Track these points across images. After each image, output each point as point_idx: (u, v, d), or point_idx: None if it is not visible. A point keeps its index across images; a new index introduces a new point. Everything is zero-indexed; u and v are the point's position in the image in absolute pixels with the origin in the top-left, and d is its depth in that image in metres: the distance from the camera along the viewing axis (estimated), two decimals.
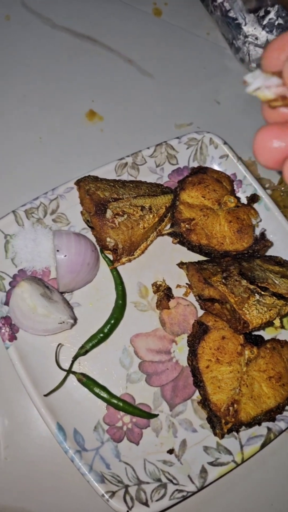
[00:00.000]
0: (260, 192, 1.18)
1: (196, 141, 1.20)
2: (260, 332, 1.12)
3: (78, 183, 1.10)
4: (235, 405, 0.97)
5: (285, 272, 1.08)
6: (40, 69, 1.32)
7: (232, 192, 1.15)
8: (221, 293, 0.99)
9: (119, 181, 1.12)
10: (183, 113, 1.33)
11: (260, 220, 1.15)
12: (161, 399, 1.03)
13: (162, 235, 1.10)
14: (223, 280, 1.01)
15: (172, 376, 1.05)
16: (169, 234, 1.10)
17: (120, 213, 1.05)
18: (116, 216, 1.04)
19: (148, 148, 1.18)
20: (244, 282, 1.01)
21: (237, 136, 1.29)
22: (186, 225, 1.07)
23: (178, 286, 1.12)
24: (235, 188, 1.20)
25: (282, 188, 1.26)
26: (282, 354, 1.05)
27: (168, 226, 1.14)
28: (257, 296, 0.99)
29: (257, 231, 1.16)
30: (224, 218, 1.09)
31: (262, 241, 1.10)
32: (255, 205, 1.18)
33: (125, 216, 1.05)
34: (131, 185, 1.11)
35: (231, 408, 0.97)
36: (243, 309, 0.97)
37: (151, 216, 1.08)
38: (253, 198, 1.18)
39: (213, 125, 1.28)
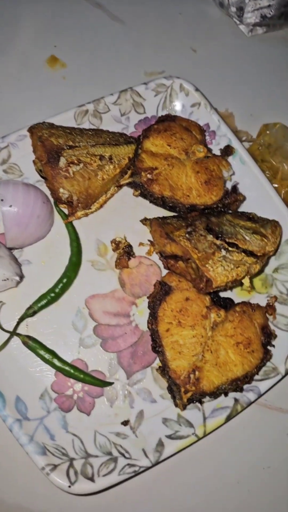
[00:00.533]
0: (235, 143, 1.07)
1: (165, 87, 1.09)
2: (231, 296, 1.01)
3: (30, 129, 1.00)
4: (197, 372, 0.87)
5: (258, 228, 0.97)
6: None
7: (203, 142, 1.04)
8: (184, 248, 0.89)
9: (76, 129, 1.02)
10: (154, 60, 1.22)
11: (233, 173, 1.04)
12: (118, 366, 0.93)
13: (121, 186, 0.99)
14: (187, 235, 0.91)
15: (130, 341, 0.95)
16: (129, 184, 0.99)
17: (76, 161, 0.94)
18: (71, 165, 0.94)
19: (111, 94, 1.07)
20: (210, 237, 0.91)
21: (213, 87, 1.19)
22: (148, 175, 0.96)
23: (141, 244, 1.02)
24: (208, 139, 1.09)
25: (261, 141, 1.14)
26: (253, 319, 0.95)
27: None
28: (223, 252, 0.89)
29: (229, 186, 1.05)
30: (191, 169, 0.98)
31: (234, 194, 0.99)
32: (230, 158, 1.07)
33: (81, 165, 0.94)
34: (90, 132, 1.01)
35: (192, 375, 0.87)
36: (207, 265, 0.86)
37: (111, 166, 0.97)
38: (227, 150, 1.07)
39: (188, 74, 1.16)
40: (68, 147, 0.95)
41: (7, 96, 1.12)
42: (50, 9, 1.19)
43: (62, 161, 0.93)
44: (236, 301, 0.98)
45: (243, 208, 1.05)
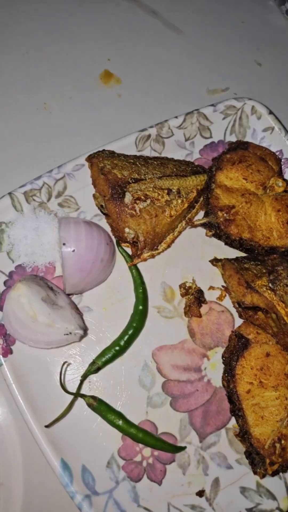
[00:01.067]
0: None
1: (235, 109, 0.98)
2: None
3: (90, 159, 0.89)
4: (283, 441, 0.78)
5: None
6: (46, 20, 1.10)
7: (280, 174, 0.93)
8: (268, 301, 0.79)
9: (140, 158, 0.91)
10: (216, 76, 1.10)
11: None
12: (189, 428, 0.84)
13: (195, 226, 0.89)
14: (270, 285, 0.81)
15: (202, 399, 0.85)
16: (203, 225, 0.89)
17: (142, 197, 0.84)
18: (137, 201, 0.83)
19: (176, 117, 0.96)
20: None
21: (281, 105, 1.07)
22: (225, 214, 0.85)
23: (211, 288, 0.92)
24: (283, 168, 0.98)
25: None
26: None
27: (201, 215, 0.93)
28: None
29: None
30: (271, 206, 0.88)
31: None
32: None
33: (148, 201, 0.84)
34: (155, 162, 0.90)
35: (277, 444, 0.78)
36: None
37: (179, 201, 0.87)
38: None
39: (253, 91, 1.06)
40: (133, 181, 0.85)
41: (58, 117, 1.01)
42: (102, 18, 1.08)
43: (128, 198, 0.83)
44: None
45: None
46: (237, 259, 0.89)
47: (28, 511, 0.80)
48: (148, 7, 1.14)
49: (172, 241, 0.90)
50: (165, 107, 1.01)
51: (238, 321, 0.89)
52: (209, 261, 0.92)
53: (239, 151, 0.91)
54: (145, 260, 0.89)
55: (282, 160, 0.99)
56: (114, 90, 1.07)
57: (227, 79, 1.10)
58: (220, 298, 0.91)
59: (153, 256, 0.89)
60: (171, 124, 0.96)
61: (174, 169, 0.90)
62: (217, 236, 0.89)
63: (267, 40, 1.14)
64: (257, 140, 1.00)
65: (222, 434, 0.85)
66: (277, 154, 0.98)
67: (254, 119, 0.99)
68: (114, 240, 0.89)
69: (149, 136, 0.95)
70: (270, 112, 0.98)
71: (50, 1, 1.13)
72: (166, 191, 0.86)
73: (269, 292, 0.80)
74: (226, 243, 0.89)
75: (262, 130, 0.99)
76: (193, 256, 0.93)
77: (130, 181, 0.85)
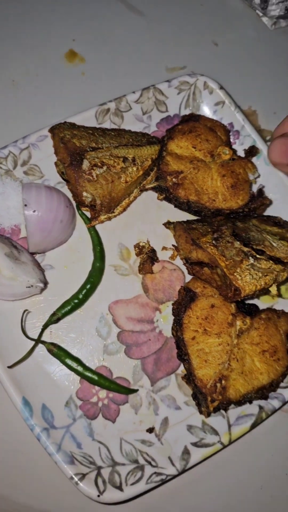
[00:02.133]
0: (260, 144, 1.04)
1: (189, 85, 1.06)
2: (255, 301, 1.00)
3: (52, 130, 0.97)
4: (223, 381, 0.86)
5: (285, 234, 0.95)
6: (14, 3, 1.16)
7: (228, 143, 1.01)
8: (211, 255, 0.87)
9: (99, 129, 0.99)
10: (175, 55, 1.18)
11: (258, 176, 1.01)
12: (142, 373, 0.92)
13: (146, 189, 0.97)
14: (214, 241, 0.89)
15: (154, 347, 0.94)
16: (153, 188, 0.96)
17: (99, 164, 0.92)
18: (94, 168, 0.91)
19: (133, 92, 1.04)
20: (237, 244, 0.89)
21: (236, 83, 1.15)
22: (173, 179, 0.93)
23: (164, 248, 1.00)
24: (231, 139, 1.06)
25: None
26: (278, 326, 0.94)
27: (153, 180, 1.01)
28: (251, 260, 0.87)
29: (254, 188, 1.03)
30: (217, 172, 0.95)
31: (260, 198, 0.97)
32: (254, 159, 1.05)
33: (105, 167, 0.92)
34: (112, 133, 0.98)
35: (218, 384, 0.86)
36: (235, 273, 0.85)
37: (134, 168, 0.95)
38: (252, 151, 1.04)
39: (209, 69, 1.13)
40: (91, 149, 0.92)
41: (26, 93, 1.08)
42: (69, 2, 1.14)
43: (86, 164, 0.91)
44: (260, 307, 0.97)
45: (269, 211, 1.03)
46: (187, 221, 0.97)
47: None
48: None
49: (128, 205, 0.98)
50: (126, 85, 1.08)
51: (188, 278, 0.97)
52: (163, 224, 1.00)
53: (191, 122, 0.99)
54: (102, 222, 0.97)
55: (232, 132, 1.07)
56: (79, 68, 1.14)
57: (185, 58, 1.17)
58: (172, 257, 0.99)
59: (109, 219, 0.97)
60: (129, 99, 1.04)
61: (130, 140, 0.97)
62: (168, 199, 0.97)
63: (224, 21, 1.21)
64: (210, 114, 1.07)
65: (171, 379, 0.93)
66: (227, 126, 1.06)
67: (206, 94, 1.06)
68: (74, 204, 0.97)
69: (108, 110, 1.02)
70: (221, 87, 1.05)
71: None
72: (121, 159, 0.94)
73: (212, 247, 0.88)
74: (175, 206, 0.97)
75: (214, 104, 1.06)
76: (148, 220, 1.01)
77: (88, 150, 0.92)
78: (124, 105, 1.03)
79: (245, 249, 0.88)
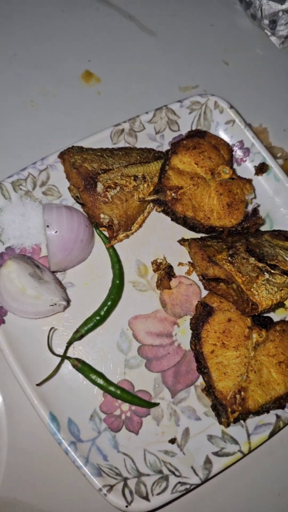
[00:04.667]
0: (270, 161, 1.08)
1: (200, 105, 1.09)
2: (269, 314, 1.04)
3: (61, 156, 0.99)
4: (242, 393, 0.89)
5: None
6: (31, 25, 1.19)
7: (229, 163, 1.05)
8: (227, 272, 0.91)
9: (106, 150, 1.02)
10: (188, 75, 1.21)
11: (254, 197, 1.05)
12: (162, 386, 0.96)
13: (145, 201, 0.99)
14: (229, 258, 0.92)
15: (173, 361, 0.97)
16: (153, 201, 0.99)
17: (112, 185, 0.95)
18: (108, 189, 0.94)
19: (147, 113, 1.07)
20: (252, 260, 0.92)
21: (247, 101, 1.19)
22: (173, 194, 0.97)
23: (180, 264, 1.03)
24: (241, 156, 1.10)
25: None
26: None
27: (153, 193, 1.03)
28: (267, 275, 0.91)
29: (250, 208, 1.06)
30: (215, 190, 0.99)
31: (253, 218, 1.00)
32: (264, 176, 1.08)
33: (118, 188, 0.95)
34: (120, 153, 1.01)
35: (237, 396, 0.89)
36: (252, 289, 0.88)
37: (145, 185, 0.98)
38: (262, 168, 1.08)
39: (220, 88, 1.17)
40: (102, 171, 0.95)
41: (44, 113, 1.12)
42: (83, 22, 1.18)
43: (100, 187, 0.94)
44: (274, 320, 1.01)
45: (277, 224, 1.07)
46: (201, 238, 1.00)
47: (24, 459, 0.91)
48: (125, 11, 1.24)
49: (143, 221, 1.01)
50: (141, 104, 1.11)
51: (204, 293, 1.01)
52: (177, 241, 1.03)
53: (196, 138, 1.02)
54: (120, 240, 1.00)
55: (243, 149, 1.10)
56: (95, 89, 1.17)
57: (197, 77, 1.21)
58: (188, 272, 1.03)
59: (127, 237, 1.00)
60: (143, 119, 1.07)
61: (138, 157, 1.00)
62: (165, 212, 1.00)
63: (234, 41, 1.25)
64: (221, 133, 1.11)
65: (191, 390, 0.96)
66: (237, 144, 1.10)
67: (217, 113, 1.10)
68: (93, 223, 1.00)
69: (122, 130, 1.06)
70: (231, 107, 1.09)
71: (36, 6, 1.22)
72: (132, 177, 0.97)
73: (228, 264, 0.91)
74: (172, 219, 1.00)
75: (224, 123, 1.10)
76: (164, 237, 1.04)
77: (100, 172, 0.95)
78: (138, 125, 1.07)
79: (260, 264, 0.92)
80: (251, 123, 1.17)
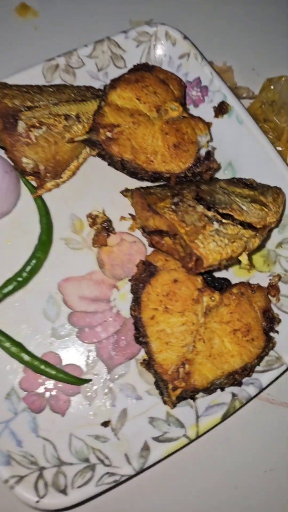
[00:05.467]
0: (231, 100, 0.93)
1: (148, 36, 0.94)
2: (229, 276, 0.88)
3: None
4: (187, 366, 0.75)
5: (257, 196, 0.83)
6: None
7: (180, 99, 0.89)
8: (169, 221, 0.76)
9: (34, 86, 0.88)
10: (141, 7, 1.05)
11: (211, 139, 0.89)
12: (96, 359, 0.81)
13: (73, 142, 0.84)
14: (173, 206, 0.77)
15: (111, 330, 0.83)
16: (84, 141, 0.84)
17: (37, 124, 0.81)
18: (32, 129, 0.81)
19: (85, 45, 0.92)
20: (200, 207, 0.77)
21: (209, 37, 1.03)
22: (107, 132, 0.81)
23: (122, 218, 0.88)
24: (199, 95, 0.94)
25: (264, 98, 0.99)
26: (252, 302, 0.82)
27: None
28: (216, 225, 0.75)
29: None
30: (160, 129, 0.83)
31: (206, 161, 0.84)
32: (225, 117, 0.93)
33: (44, 128, 0.81)
34: (50, 89, 0.87)
35: (181, 369, 0.75)
36: (196, 241, 0.73)
37: (80, 126, 0.84)
38: (221, 108, 0.93)
39: (179, 23, 1.00)
40: (26, 109, 0.81)
41: None
42: None
43: (21, 126, 0.80)
44: (233, 282, 0.85)
45: (241, 173, 0.91)
46: (146, 187, 0.85)
47: None
48: None
49: (77, 168, 0.87)
50: (85, 40, 0.96)
51: (150, 252, 0.86)
52: (120, 192, 0.88)
53: (141, 72, 0.87)
54: (49, 190, 0.86)
55: (200, 87, 0.95)
56: (31, 23, 1.03)
57: (151, 11, 1.05)
58: (132, 228, 0.88)
59: (57, 185, 0.86)
60: (81, 53, 0.92)
61: (72, 95, 0.87)
62: (101, 156, 0.85)
63: None
64: (174, 69, 0.96)
65: (131, 365, 0.82)
66: (194, 82, 0.94)
67: (169, 45, 0.95)
68: (18, 172, 0.86)
69: (57, 66, 0.91)
70: (185, 37, 0.94)
71: None
72: (63, 117, 0.83)
73: (170, 213, 0.76)
74: (109, 164, 0.85)
75: (178, 57, 0.95)
76: (104, 187, 0.90)
77: (23, 109, 0.81)
78: (76, 60, 0.92)
79: (209, 213, 0.76)
80: (212, 61, 1.01)
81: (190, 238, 0.74)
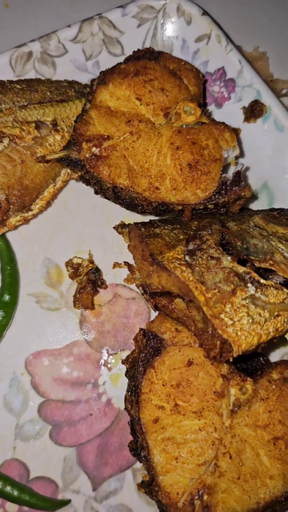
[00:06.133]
0: (268, 98, 0.71)
1: (154, 12, 0.73)
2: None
3: None
4: (206, 496, 0.51)
5: None
6: None
7: (197, 98, 0.68)
8: (181, 282, 0.51)
9: None
10: None
11: (240, 154, 0.68)
12: (78, 469, 0.61)
13: (46, 160, 0.60)
14: (187, 258, 0.55)
15: (99, 427, 0.65)
16: (59, 161, 0.60)
17: None
18: None
19: (69, 26, 0.69)
20: (226, 260, 0.54)
21: (237, 17, 0.80)
22: (93, 148, 0.58)
23: (117, 264, 0.64)
24: (222, 92, 0.70)
25: None
26: None
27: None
28: (252, 289, 0.52)
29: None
30: (169, 142, 0.60)
31: (236, 188, 0.60)
32: (258, 122, 0.71)
33: (6, 141, 0.59)
34: (17, 87, 0.68)
35: (197, 502, 0.51)
36: (222, 315, 0.50)
37: (57, 137, 0.65)
38: (254, 109, 0.71)
39: None
40: None
41: None
42: None
43: None
44: (272, 358, 0.64)
45: (281, 199, 0.68)
46: (150, 222, 0.61)
47: None
48: None
49: (54, 196, 0.66)
50: (69, 19, 0.73)
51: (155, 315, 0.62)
52: (114, 227, 0.64)
53: (142, 61, 0.63)
54: (13, 227, 0.63)
55: (224, 81, 0.70)
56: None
57: None
58: (129, 279, 0.63)
59: (26, 221, 0.64)
60: (62, 37, 0.71)
61: (48, 93, 0.65)
62: (85, 181, 0.62)
63: None
64: (189, 55, 0.71)
65: (127, 477, 0.63)
66: (216, 74, 0.70)
67: (181, 24, 0.73)
68: None
69: (30, 53, 0.69)
70: (204, 13, 0.69)
71: None
72: (33, 124, 0.61)
73: (184, 268, 0.53)
74: (96, 192, 0.62)
75: (194, 40, 0.71)
76: (93, 221, 0.68)
77: None
78: (56, 46, 0.71)
79: (241, 269, 0.52)
80: (241, 45, 0.76)
81: (213, 311, 0.50)
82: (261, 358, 0.64)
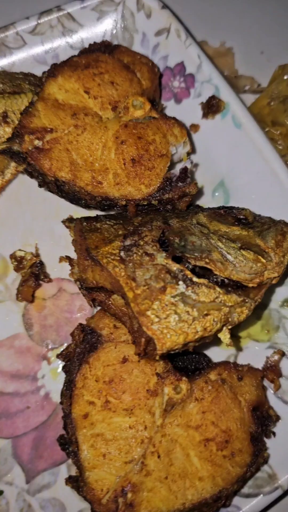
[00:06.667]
0: (227, 94, 0.69)
1: (114, 5, 0.70)
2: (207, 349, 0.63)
3: None
4: (130, 494, 0.51)
5: (252, 238, 0.58)
6: None
7: (150, 93, 0.67)
8: (112, 277, 0.51)
9: None
10: None
11: (191, 151, 0.66)
12: (12, 461, 0.60)
13: None
14: (122, 253, 0.53)
15: (36, 420, 0.62)
16: (2, 153, 0.60)
17: None
18: None
19: (27, 18, 0.69)
20: (161, 257, 0.52)
21: (202, 11, 0.78)
22: (35, 140, 0.57)
23: (62, 259, 0.63)
24: (182, 86, 0.69)
25: (274, 92, 0.72)
26: (237, 393, 0.57)
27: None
28: (182, 287, 0.50)
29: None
30: (114, 136, 0.58)
31: (180, 184, 0.59)
32: (217, 118, 0.69)
33: None
34: None
35: (121, 499, 0.50)
36: (148, 312, 0.49)
37: (7, 130, 0.62)
38: (211, 104, 0.69)
39: None
40: None
41: None
42: None
43: None
44: (214, 358, 0.60)
45: (236, 197, 0.65)
46: (95, 217, 0.60)
47: None
48: None
49: (2, 188, 0.64)
50: (29, 10, 0.72)
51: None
52: (62, 221, 0.63)
53: (95, 54, 0.62)
54: None
55: (184, 76, 0.69)
56: None
57: None
58: (73, 274, 0.63)
59: None
60: (20, 29, 0.69)
61: (0, 85, 0.62)
62: (30, 173, 0.61)
63: None
64: (149, 50, 0.70)
65: (61, 472, 0.62)
66: (175, 69, 0.68)
67: (141, 17, 0.71)
68: None
69: None
70: (164, 6, 0.68)
71: None
72: None
73: (116, 263, 0.52)
74: (40, 185, 0.62)
75: (154, 34, 0.70)
76: (42, 214, 0.67)
77: None
78: (13, 38, 0.71)
79: (175, 266, 0.51)
80: (206, 40, 0.75)
81: (140, 308, 0.50)
82: (202, 359, 0.64)
